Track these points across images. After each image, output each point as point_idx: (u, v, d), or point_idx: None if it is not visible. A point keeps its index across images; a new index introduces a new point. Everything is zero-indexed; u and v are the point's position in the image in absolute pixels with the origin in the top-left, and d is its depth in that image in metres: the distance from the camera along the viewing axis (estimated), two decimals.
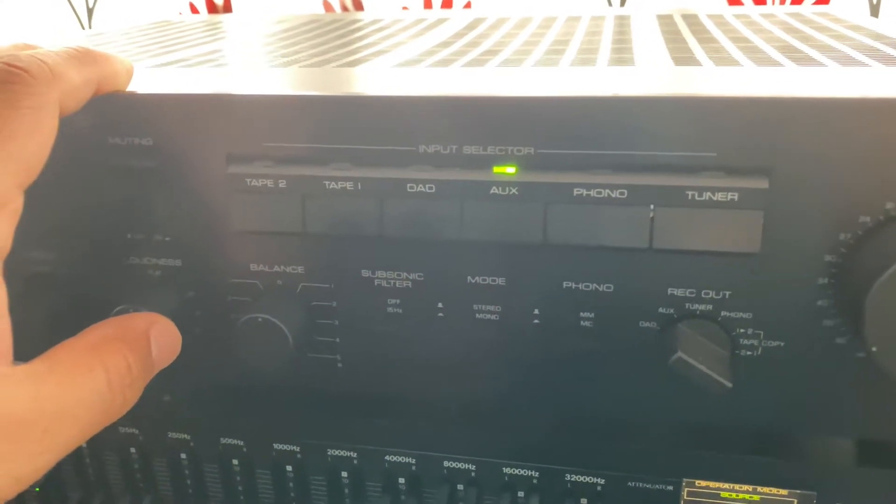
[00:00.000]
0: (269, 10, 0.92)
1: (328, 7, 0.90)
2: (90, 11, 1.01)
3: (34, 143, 0.25)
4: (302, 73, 0.41)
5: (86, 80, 0.29)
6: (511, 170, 0.31)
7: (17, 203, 0.24)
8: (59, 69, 0.27)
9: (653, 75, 0.37)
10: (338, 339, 0.36)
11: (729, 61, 0.40)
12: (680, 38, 0.50)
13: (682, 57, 0.42)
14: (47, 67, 0.26)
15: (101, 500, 0.42)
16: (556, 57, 0.44)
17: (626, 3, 0.83)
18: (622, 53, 0.44)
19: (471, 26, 0.60)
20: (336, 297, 0.35)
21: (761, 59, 0.40)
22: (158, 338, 0.28)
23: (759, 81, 0.34)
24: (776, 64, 0.39)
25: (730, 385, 0.30)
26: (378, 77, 0.39)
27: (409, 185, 0.32)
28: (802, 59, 0.40)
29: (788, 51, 0.43)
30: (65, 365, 0.24)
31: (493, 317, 0.34)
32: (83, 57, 0.29)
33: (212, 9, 0.95)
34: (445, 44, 0.51)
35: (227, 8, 0.95)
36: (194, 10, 0.95)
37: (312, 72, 0.41)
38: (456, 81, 0.37)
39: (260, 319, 0.33)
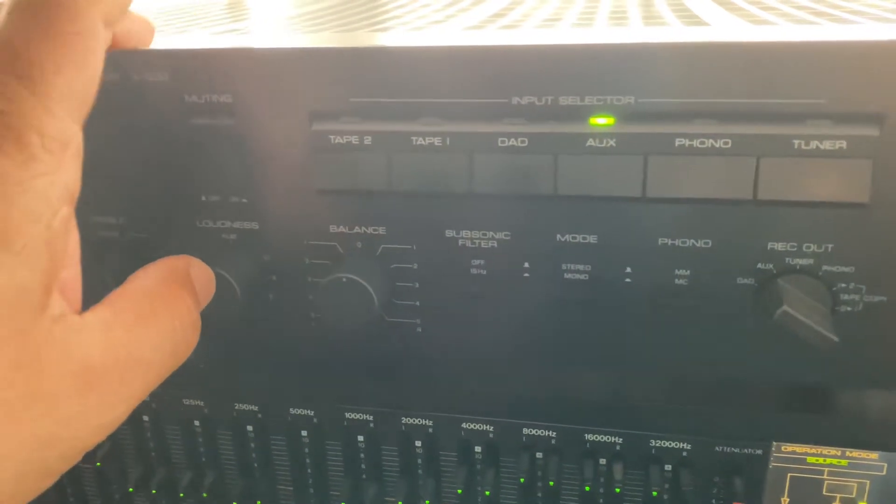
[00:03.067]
0: None
1: None
2: None
3: (86, 71, 0.22)
4: (371, 35, 0.40)
5: None
6: (608, 121, 0.30)
7: (79, 140, 0.22)
8: None
9: (735, 33, 0.36)
10: (418, 303, 0.35)
11: (804, 21, 0.39)
12: (739, 7, 0.49)
13: (755, 19, 0.41)
14: None
15: (161, 477, 0.42)
16: (623, 20, 0.43)
17: None
18: (689, 18, 0.43)
19: (517, 0, 0.60)
20: (418, 258, 0.34)
21: (834, 19, 0.40)
22: (198, 277, 0.28)
23: (845, 34, 0.34)
24: (852, 23, 0.38)
25: (836, 339, 0.29)
26: (453, 37, 0.38)
27: (500, 139, 0.31)
28: (877, 18, 0.39)
29: (858, 13, 0.42)
30: (130, 311, 0.24)
31: (582, 276, 0.33)
32: None
33: None
34: (501, 14, 0.50)
35: None
36: None
37: (382, 35, 0.40)
38: (536, 37, 0.36)
39: (345, 279, 0.33)
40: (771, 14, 0.44)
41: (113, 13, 0.24)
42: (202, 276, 0.29)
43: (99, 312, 0.24)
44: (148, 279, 0.26)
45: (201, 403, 0.40)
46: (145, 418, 0.41)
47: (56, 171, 0.21)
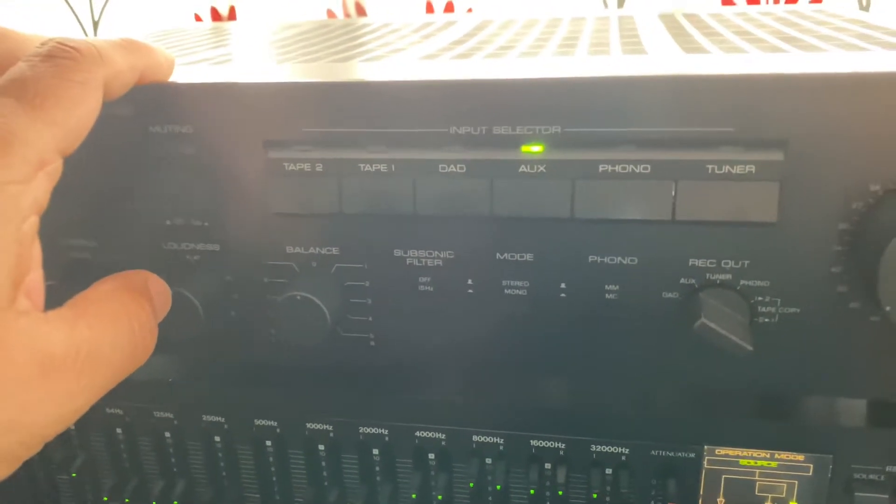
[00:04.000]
0: (274, 18, 0.94)
1: (331, 14, 0.92)
2: (95, 24, 1.03)
3: (78, 113, 0.26)
4: (329, 67, 0.43)
5: (131, 66, 0.31)
6: (538, 148, 0.33)
7: (57, 165, 0.26)
8: (106, 52, 0.29)
9: (666, 61, 0.39)
10: (371, 318, 0.37)
11: (735, 49, 0.42)
12: (685, 33, 0.52)
13: (691, 47, 0.44)
14: (96, 50, 0.28)
15: (134, 486, 0.44)
16: (570, 49, 0.45)
17: (624, 6, 0.85)
18: (633, 45, 0.46)
19: (480, 27, 0.62)
20: (369, 276, 0.37)
21: (766, 48, 0.42)
22: (155, 290, 0.30)
23: (767, 64, 0.36)
24: (781, 51, 0.40)
25: (751, 348, 0.32)
26: (404, 68, 0.41)
27: (440, 165, 0.34)
28: (806, 47, 0.42)
29: (791, 41, 0.45)
30: (91, 311, 0.26)
31: (521, 292, 0.35)
32: (129, 46, 0.31)
33: (216, 18, 0.97)
34: (460, 42, 0.53)
35: (232, 17, 0.96)
36: (199, 19, 0.97)
37: (339, 65, 0.43)
38: (480, 69, 0.39)
39: (299, 297, 0.35)
40: (710, 41, 0.47)
41: (115, 84, 0.29)
42: (159, 288, 0.31)
43: (62, 311, 0.26)
44: (109, 285, 0.29)
45: (171, 416, 0.42)
46: (118, 430, 0.43)
47: (29, 182, 0.24)
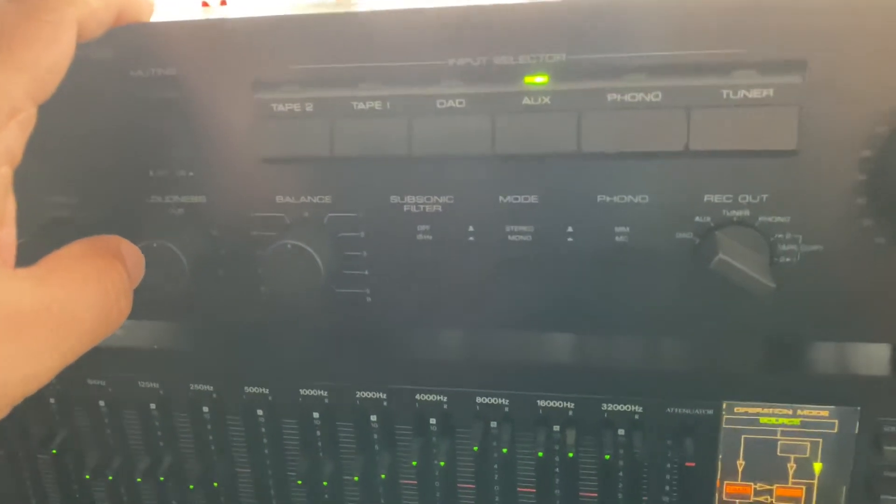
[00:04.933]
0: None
1: None
2: None
3: (50, 55, 0.24)
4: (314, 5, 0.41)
5: (106, 3, 0.29)
6: (542, 79, 0.31)
7: (29, 113, 0.24)
8: None
9: None
10: (366, 272, 0.35)
11: None
12: None
13: None
14: None
15: (119, 463, 0.41)
16: None
17: None
18: None
19: None
20: (364, 226, 0.34)
21: None
22: (128, 255, 0.29)
23: None
24: None
25: (773, 285, 0.30)
26: None
27: (438, 101, 0.32)
28: None
29: None
30: (64, 271, 0.25)
31: (525, 237, 0.33)
32: None
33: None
34: None
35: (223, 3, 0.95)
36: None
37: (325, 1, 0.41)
38: None
39: (290, 245, 0.33)
40: None
41: (89, 23, 0.27)
42: (132, 254, 0.29)
43: (33, 269, 0.24)
44: (80, 247, 0.27)
45: (156, 386, 0.40)
46: (101, 403, 0.41)
47: (0, 131, 0.22)
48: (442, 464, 0.36)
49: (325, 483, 0.38)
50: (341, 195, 0.34)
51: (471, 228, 0.34)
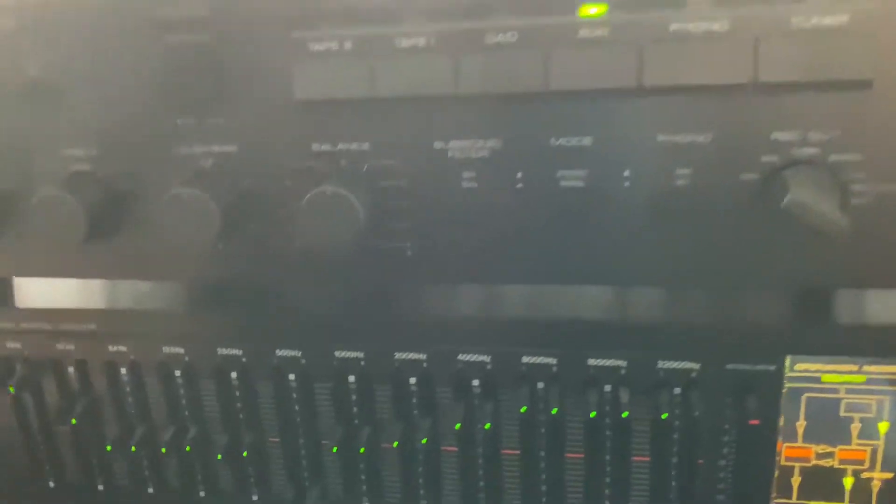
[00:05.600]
0: None
1: None
2: None
3: None
4: None
5: None
6: (598, 9, 0.29)
7: None
8: None
9: None
10: (407, 224, 0.33)
11: None
12: None
13: None
14: None
15: (142, 433, 0.39)
16: None
17: None
18: None
19: None
20: (406, 174, 0.33)
21: None
22: None
23: None
24: None
25: (846, 226, 0.28)
26: None
27: (487, 35, 0.30)
28: None
29: None
30: None
31: (578, 183, 0.31)
32: None
33: None
34: None
35: None
36: None
37: None
38: None
39: (328, 192, 0.31)
40: None
41: None
42: None
43: None
44: None
45: (182, 351, 0.38)
46: (122, 370, 0.39)
47: None
48: (487, 426, 0.35)
49: (361, 450, 0.36)
50: (382, 141, 0.32)
51: (519, 174, 0.32)
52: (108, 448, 0.39)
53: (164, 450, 0.38)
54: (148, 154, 0.34)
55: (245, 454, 0.38)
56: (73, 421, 0.39)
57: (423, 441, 0.35)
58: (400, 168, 0.33)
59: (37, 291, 0.41)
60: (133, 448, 0.39)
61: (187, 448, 0.38)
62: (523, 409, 0.34)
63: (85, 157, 0.35)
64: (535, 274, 0.33)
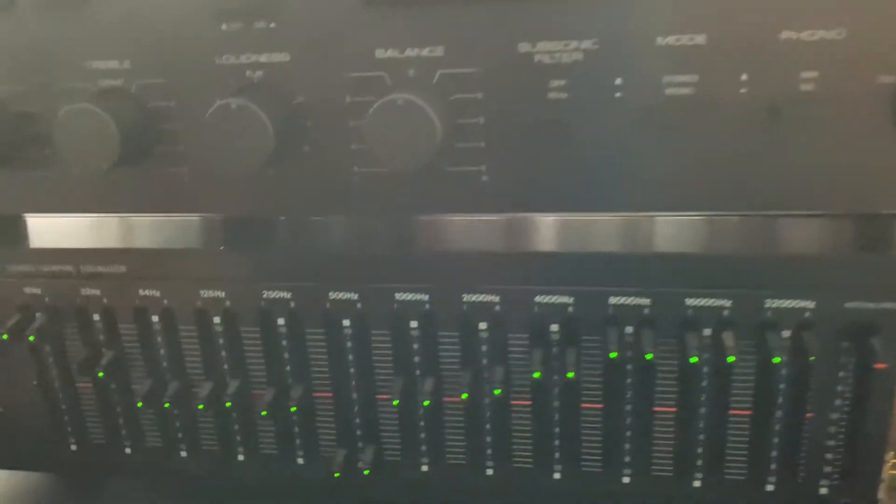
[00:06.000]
0: None
1: None
2: None
3: None
4: None
5: None
6: None
7: None
8: None
9: None
10: (483, 144, 0.29)
11: None
12: None
13: None
14: None
15: (176, 388, 0.35)
16: None
17: None
18: None
19: None
20: (484, 84, 0.29)
21: None
22: None
23: None
24: None
25: None
26: None
27: None
28: None
29: None
30: None
31: (687, 90, 0.27)
32: None
33: None
34: None
35: None
36: None
37: None
38: None
39: (400, 102, 0.27)
40: None
41: None
42: None
43: None
44: None
45: (222, 294, 0.34)
46: (154, 318, 0.35)
47: None
48: (570, 375, 0.31)
49: (426, 403, 0.32)
50: (456, 45, 0.28)
51: (619, 81, 0.28)
52: (140, 405, 0.35)
53: (200, 406, 0.34)
54: (186, 65, 0.30)
55: (293, 409, 0.34)
56: (100, 375, 0.35)
57: (497, 392, 0.31)
58: (477, 77, 0.28)
59: (53, 230, 0.37)
60: (167, 405, 0.35)
61: (227, 404, 0.34)
62: (613, 355, 0.30)
63: (116, 71, 0.31)
64: (633, 202, 0.29)
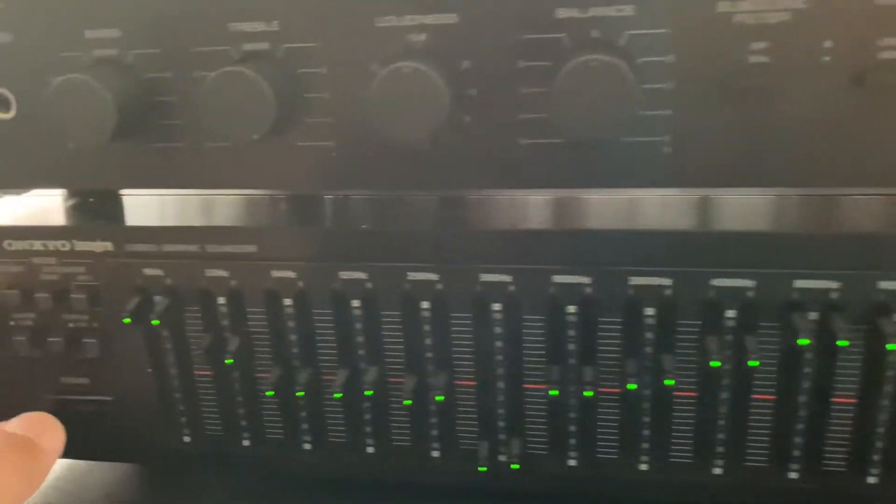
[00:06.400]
0: None
1: None
2: None
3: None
4: None
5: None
6: None
7: None
8: None
9: None
10: (670, 112, 0.27)
11: None
12: None
13: None
14: None
15: (308, 378, 0.33)
16: None
17: None
18: None
19: None
20: (672, 47, 0.26)
21: None
22: (49, 444, 0.31)
23: None
24: None
25: None
26: None
27: None
28: None
29: None
30: None
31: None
32: None
33: None
34: None
35: None
36: None
37: None
38: None
39: (594, 62, 0.25)
40: None
41: None
42: (54, 440, 0.31)
43: None
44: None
45: (365, 276, 0.31)
46: (287, 301, 0.32)
47: None
48: (754, 363, 0.28)
49: (588, 393, 0.30)
50: (646, 4, 0.26)
51: (828, 44, 0.25)
52: (270, 393, 0.33)
53: (338, 395, 0.32)
54: (339, 27, 0.28)
55: (440, 398, 0.32)
56: (228, 361, 0.33)
57: (670, 382, 0.29)
58: (665, 39, 0.26)
59: (174, 207, 0.35)
60: (300, 393, 0.33)
61: (368, 392, 0.32)
62: (804, 342, 0.28)
63: (111, 40, 0.29)
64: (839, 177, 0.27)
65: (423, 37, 0.27)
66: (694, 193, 0.33)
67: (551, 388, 0.30)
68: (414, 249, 0.31)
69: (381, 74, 0.26)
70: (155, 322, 0.32)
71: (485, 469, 0.32)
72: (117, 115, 0.28)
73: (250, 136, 0.28)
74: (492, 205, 0.34)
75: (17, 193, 0.39)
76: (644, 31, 0.26)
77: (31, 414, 0.31)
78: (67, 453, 0.37)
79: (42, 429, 0.31)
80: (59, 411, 0.33)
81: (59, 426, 0.32)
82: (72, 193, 0.38)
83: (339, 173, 0.30)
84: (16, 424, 0.31)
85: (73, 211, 0.37)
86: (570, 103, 0.25)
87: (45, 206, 0.37)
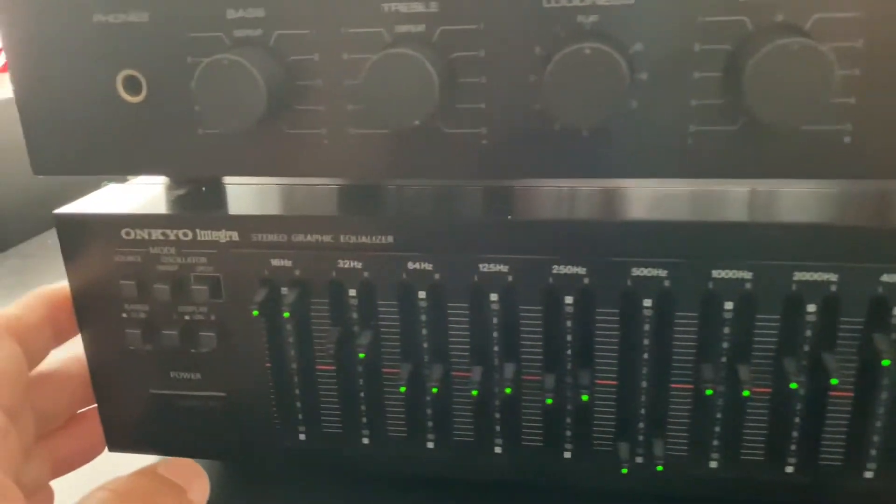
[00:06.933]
0: None
1: None
2: None
3: None
4: None
5: None
6: None
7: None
8: None
9: None
10: (853, 100, 0.26)
11: None
12: None
13: None
14: None
15: (441, 374, 0.32)
16: None
17: None
18: None
19: None
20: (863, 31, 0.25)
21: None
22: (197, 488, 0.29)
23: None
24: None
25: None
26: None
27: None
28: None
29: None
30: None
31: None
32: None
33: None
34: None
35: None
36: None
37: None
38: None
39: (797, 47, 0.23)
40: None
41: None
42: (200, 485, 0.30)
43: None
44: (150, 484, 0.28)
45: (505, 269, 0.30)
46: (421, 294, 0.31)
47: None
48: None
49: (746, 393, 0.29)
50: None
51: None
52: (403, 389, 0.32)
53: (474, 392, 0.31)
54: (504, 9, 0.27)
55: (585, 398, 0.30)
56: (361, 356, 0.31)
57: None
58: (855, 24, 0.25)
59: (306, 196, 0.34)
60: (434, 389, 0.31)
61: (507, 390, 0.31)
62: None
63: (418, 15, 0.27)
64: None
65: (593, 17, 0.26)
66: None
67: (707, 388, 0.29)
68: (558, 243, 0.30)
69: (558, 56, 0.25)
70: (286, 315, 0.31)
71: (626, 471, 0.31)
72: (267, 99, 0.27)
73: (412, 122, 0.26)
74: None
75: (121, 181, 0.38)
76: (833, 16, 0.25)
77: (178, 459, 0.30)
78: (174, 450, 0.36)
79: (191, 477, 0.30)
80: (167, 407, 0.32)
81: (206, 476, 0.30)
82: (178, 182, 0.37)
83: (491, 162, 0.29)
84: (165, 469, 0.29)
85: (180, 200, 0.36)
86: (762, 90, 0.24)
87: (150, 194, 0.36)
